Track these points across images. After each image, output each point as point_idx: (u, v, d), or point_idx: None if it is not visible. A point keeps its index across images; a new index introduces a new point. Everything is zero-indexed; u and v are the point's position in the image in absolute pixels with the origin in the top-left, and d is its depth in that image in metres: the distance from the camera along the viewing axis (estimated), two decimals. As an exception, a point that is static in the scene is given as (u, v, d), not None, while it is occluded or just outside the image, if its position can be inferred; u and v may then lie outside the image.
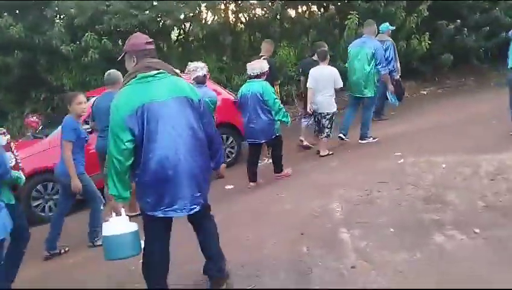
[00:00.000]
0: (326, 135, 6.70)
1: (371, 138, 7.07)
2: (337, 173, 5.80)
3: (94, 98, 5.82)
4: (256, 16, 10.62)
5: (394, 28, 8.79)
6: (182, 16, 9.90)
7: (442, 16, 10.99)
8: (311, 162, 6.50)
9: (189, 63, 5.88)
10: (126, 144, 2.87)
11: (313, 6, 11.07)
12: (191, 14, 10.20)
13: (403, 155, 6.00)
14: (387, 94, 7.68)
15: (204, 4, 10.28)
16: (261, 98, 5.69)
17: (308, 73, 6.70)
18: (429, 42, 10.30)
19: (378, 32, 7.73)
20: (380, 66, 6.88)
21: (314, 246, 3.89)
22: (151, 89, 2.94)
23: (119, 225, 3.04)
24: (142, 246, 3.10)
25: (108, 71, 5.44)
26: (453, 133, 6.91)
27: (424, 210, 4.34)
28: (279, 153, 6.00)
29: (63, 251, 4.94)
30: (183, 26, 10.61)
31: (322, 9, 10.94)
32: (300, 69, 7.91)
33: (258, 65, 5.89)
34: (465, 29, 11.08)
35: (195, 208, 3.05)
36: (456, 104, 9.26)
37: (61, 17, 9.82)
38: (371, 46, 6.86)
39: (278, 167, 6.03)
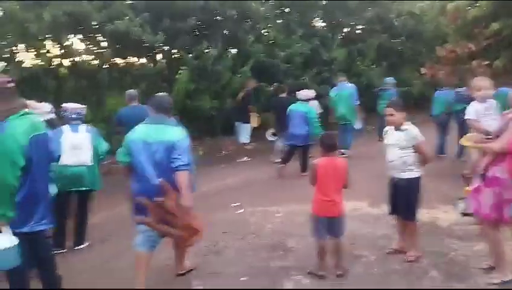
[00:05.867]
0: None
1: None
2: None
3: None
4: (82, 62, 10.09)
5: None
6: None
7: (262, 78, 12.08)
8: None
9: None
10: None
11: (142, 58, 11.05)
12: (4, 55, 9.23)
13: (242, 205, 6.26)
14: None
15: (24, 45, 9.44)
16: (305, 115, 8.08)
17: None
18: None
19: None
20: None
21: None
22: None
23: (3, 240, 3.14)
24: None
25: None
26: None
27: (269, 258, 4.56)
28: None
29: None
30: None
31: (152, 63, 10.99)
32: None
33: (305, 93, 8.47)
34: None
35: None
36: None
37: None
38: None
39: None
